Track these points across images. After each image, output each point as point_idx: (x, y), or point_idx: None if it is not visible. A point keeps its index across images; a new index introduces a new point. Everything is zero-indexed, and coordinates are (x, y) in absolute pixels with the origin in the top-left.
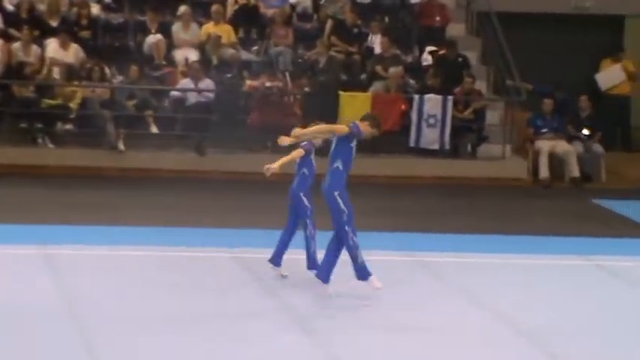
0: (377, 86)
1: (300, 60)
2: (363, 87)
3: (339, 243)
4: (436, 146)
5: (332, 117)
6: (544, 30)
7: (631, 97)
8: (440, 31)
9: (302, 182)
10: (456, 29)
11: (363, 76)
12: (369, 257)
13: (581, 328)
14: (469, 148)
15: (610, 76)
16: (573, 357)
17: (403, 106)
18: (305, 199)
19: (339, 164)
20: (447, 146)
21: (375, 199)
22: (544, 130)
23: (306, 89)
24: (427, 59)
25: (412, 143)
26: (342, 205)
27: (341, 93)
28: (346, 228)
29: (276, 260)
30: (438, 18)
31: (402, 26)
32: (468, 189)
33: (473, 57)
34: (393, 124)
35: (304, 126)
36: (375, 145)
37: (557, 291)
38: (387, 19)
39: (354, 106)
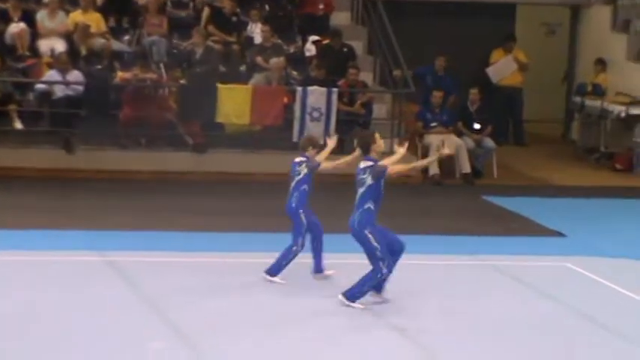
0: (257, 78)
1: (175, 50)
2: (243, 79)
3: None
4: (321, 141)
5: (209, 111)
6: (433, 18)
7: (523, 88)
8: (323, 19)
9: (302, 199)
10: (340, 18)
11: (243, 68)
12: (250, 260)
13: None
14: (355, 142)
15: (501, 68)
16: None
17: (285, 99)
18: (302, 216)
19: (370, 204)
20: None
21: (255, 199)
22: (433, 124)
23: (182, 81)
24: (310, 49)
25: (296, 138)
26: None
27: (219, 85)
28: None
29: (318, 269)
30: (321, 6)
31: (283, 14)
32: (354, 186)
33: (358, 47)
34: (274, 119)
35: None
36: (256, 141)
37: (449, 294)
38: (267, 7)
39: (233, 99)
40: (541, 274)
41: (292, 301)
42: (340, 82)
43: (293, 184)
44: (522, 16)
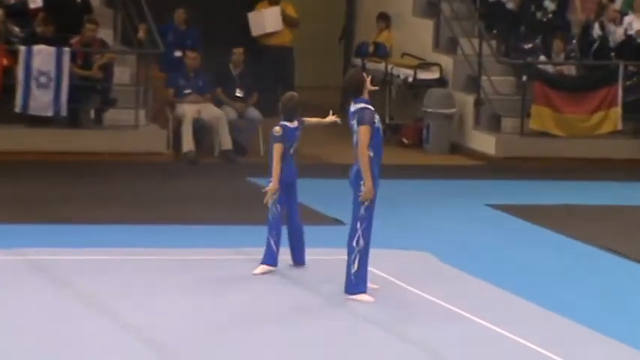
0: None
1: None
2: None
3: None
4: (50, 112)
5: None
6: None
7: (293, 48)
8: None
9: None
10: None
11: None
12: None
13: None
14: (92, 114)
15: (263, 18)
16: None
17: (5, 61)
18: None
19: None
20: (64, 112)
21: None
22: (187, 92)
23: None
24: (35, 1)
25: (19, 109)
26: None
27: None
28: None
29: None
30: None
31: None
32: (92, 167)
33: None
34: None
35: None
36: None
37: (202, 292)
38: None
39: None
40: (316, 267)
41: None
42: (73, 41)
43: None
44: None
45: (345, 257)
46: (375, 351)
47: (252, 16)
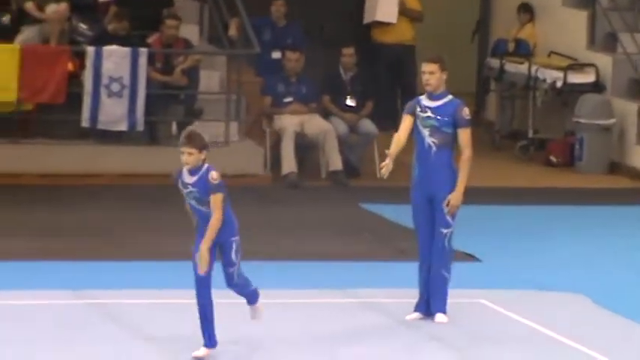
0: (28, 34)
1: None
2: (7, 34)
3: None
4: (123, 127)
5: None
6: None
7: (415, 47)
8: None
9: None
10: None
11: (6, 18)
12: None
13: None
14: (174, 128)
15: (378, 4)
16: None
17: (71, 66)
18: None
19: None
20: (141, 126)
21: (15, 213)
22: (288, 100)
23: None
24: None
25: (86, 123)
26: None
27: None
28: None
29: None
30: None
31: None
32: (172, 191)
33: None
34: (54, 94)
35: None
36: (25, 129)
37: (312, 341)
38: None
39: None
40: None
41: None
42: (151, 40)
43: None
44: None
45: None
46: None
47: (368, 1)
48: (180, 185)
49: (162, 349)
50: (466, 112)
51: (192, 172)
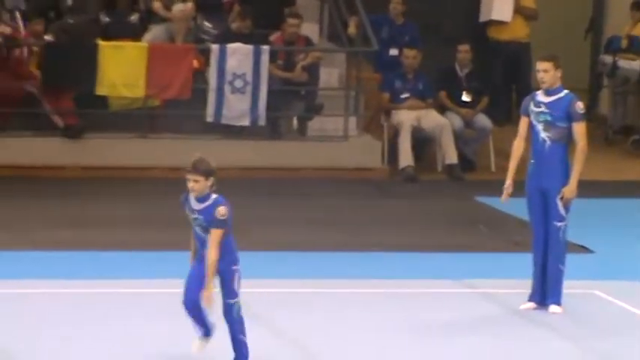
0: (155, 32)
1: None
2: (135, 33)
3: None
4: (246, 122)
5: (87, 80)
6: None
7: (530, 44)
8: None
9: None
10: None
11: (134, 17)
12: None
13: None
14: (295, 123)
15: (493, 3)
16: None
17: (196, 63)
18: None
19: None
20: (263, 121)
21: (150, 201)
22: (405, 96)
23: (47, 37)
24: None
25: (211, 118)
26: None
27: (100, 43)
28: None
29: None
30: None
31: None
32: (292, 184)
33: None
34: (180, 90)
35: None
36: (153, 124)
37: (427, 331)
38: None
39: (121, 62)
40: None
41: None
42: (273, 38)
43: None
44: None
45: None
46: None
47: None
48: (187, 210)
49: None
50: (580, 105)
51: (199, 200)
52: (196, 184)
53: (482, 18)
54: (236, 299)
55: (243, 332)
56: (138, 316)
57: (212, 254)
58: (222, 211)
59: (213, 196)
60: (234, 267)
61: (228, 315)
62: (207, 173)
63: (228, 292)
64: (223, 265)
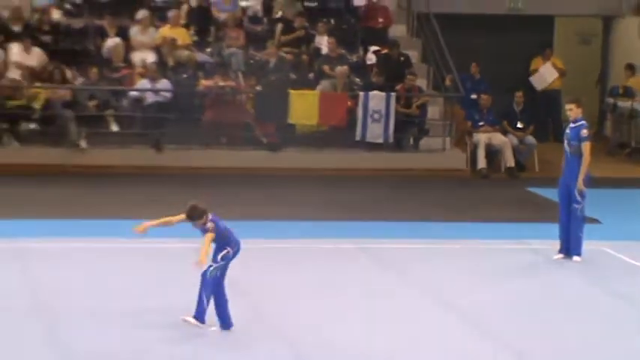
0: (324, 84)
1: (251, 61)
2: (311, 85)
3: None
4: (381, 140)
5: (282, 114)
6: (481, 30)
7: (561, 90)
8: (383, 32)
9: None
10: (397, 30)
11: (311, 75)
12: (321, 245)
13: (515, 306)
14: (411, 141)
15: (543, 76)
16: (507, 333)
17: (349, 103)
18: None
19: None
20: (391, 140)
21: (324, 191)
22: (481, 124)
23: (258, 88)
24: (371, 58)
25: (358, 137)
26: None
27: (291, 91)
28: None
29: None
30: (380, 20)
31: (347, 28)
32: (410, 180)
33: (414, 56)
34: (340, 120)
35: None
36: (324, 140)
37: (496, 272)
38: (332, 22)
39: (303, 103)
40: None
41: None
42: (398, 87)
43: None
44: (560, 28)
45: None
46: None
47: (534, 78)
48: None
49: None
50: (584, 132)
51: (202, 231)
52: (197, 224)
53: (540, 87)
54: (214, 265)
55: (206, 292)
56: None
57: (204, 248)
58: (209, 227)
59: (209, 224)
60: (227, 249)
61: (203, 273)
62: (199, 216)
63: (213, 258)
64: (216, 248)
